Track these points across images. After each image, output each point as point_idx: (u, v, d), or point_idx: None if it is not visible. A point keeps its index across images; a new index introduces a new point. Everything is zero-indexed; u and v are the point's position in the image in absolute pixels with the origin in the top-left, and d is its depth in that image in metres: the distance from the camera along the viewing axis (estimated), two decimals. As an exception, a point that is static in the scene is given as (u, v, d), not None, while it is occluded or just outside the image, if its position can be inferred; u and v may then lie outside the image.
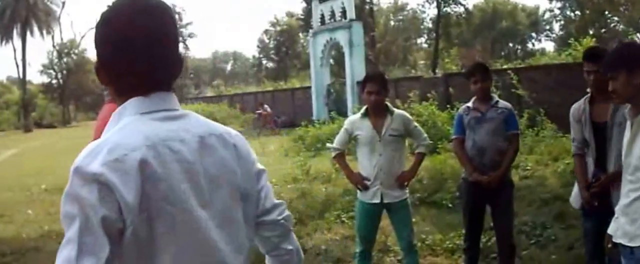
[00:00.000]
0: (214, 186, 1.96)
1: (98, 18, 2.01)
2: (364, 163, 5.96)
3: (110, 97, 3.15)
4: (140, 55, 1.93)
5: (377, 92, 5.77)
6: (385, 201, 5.85)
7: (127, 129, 1.87)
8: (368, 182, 5.87)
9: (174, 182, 1.83)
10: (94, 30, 2.03)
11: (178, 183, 1.84)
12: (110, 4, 2.03)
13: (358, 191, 6.09)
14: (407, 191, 6.05)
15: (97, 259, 1.69)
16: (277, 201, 2.22)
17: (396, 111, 6.03)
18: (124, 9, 1.98)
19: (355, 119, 6.09)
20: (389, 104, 6.00)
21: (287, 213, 2.25)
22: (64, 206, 1.77)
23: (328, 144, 6.96)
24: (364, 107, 6.00)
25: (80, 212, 1.72)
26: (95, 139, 2.02)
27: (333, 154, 6.31)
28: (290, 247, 2.27)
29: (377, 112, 5.87)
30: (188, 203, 1.86)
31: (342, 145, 6.16)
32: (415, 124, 6.19)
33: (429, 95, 19.38)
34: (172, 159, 1.86)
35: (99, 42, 1.99)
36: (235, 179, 2.04)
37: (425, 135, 6.19)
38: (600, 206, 4.93)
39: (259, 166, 2.17)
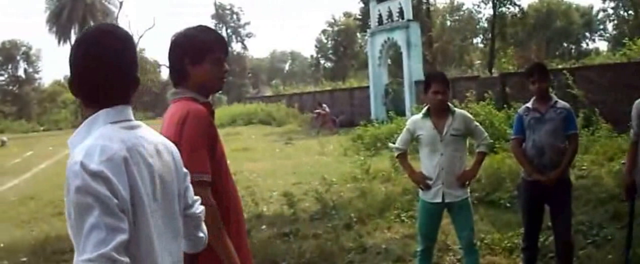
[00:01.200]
0: (163, 184, 2.43)
1: (75, 41, 2.50)
2: (426, 163, 6.00)
3: (174, 97, 3.46)
4: (107, 74, 2.36)
5: (443, 92, 5.82)
6: (447, 200, 5.89)
7: (106, 135, 2.27)
8: (430, 182, 5.92)
9: (143, 179, 2.29)
10: (73, 52, 2.43)
11: (144, 180, 2.30)
12: (85, 29, 2.57)
13: (419, 191, 6.14)
14: (468, 190, 6.08)
15: (124, 233, 2.08)
16: (195, 197, 2.74)
17: (457, 110, 6.06)
18: (96, 34, 2.46)
19: (417, 119, 6.11)
20: (450, 104, 6.02)
21: (201, 207, 2.77)
22: (77, 199, 2.08)
23: (390, 144, 7.07)
24: (426, 107, 6.03)
25: (96, 201, 2.05)
26: (172, 134, 3.01)
27: (395, 154, 6.38)
28: (201, 234, 2.77)
29: (439, 112, 5.91)
30: (149, 196, 2.31)
31: (405, 145, 6.21)
32: (476, 123, 6.23)
33: (485, 95, 19.34)
34: (140, 161, 2.31)
35: (73, 61, 2.41)
36: (175, 179, 2.54)
37: (486, 134, 6.21)
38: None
39: (185, 169, 2.68)
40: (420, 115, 6.10)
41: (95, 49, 2.38)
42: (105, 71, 2.36)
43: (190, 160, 3.13)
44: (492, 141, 6.76)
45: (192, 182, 2.96)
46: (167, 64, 3.54)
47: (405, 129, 6.23)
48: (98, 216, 2.04)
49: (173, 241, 2.48)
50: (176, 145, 2.88)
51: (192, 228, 2.70)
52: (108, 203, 2.07)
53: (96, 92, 2.38)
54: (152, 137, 2.48)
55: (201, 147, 3.26)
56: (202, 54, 3.45)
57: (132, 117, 2.44)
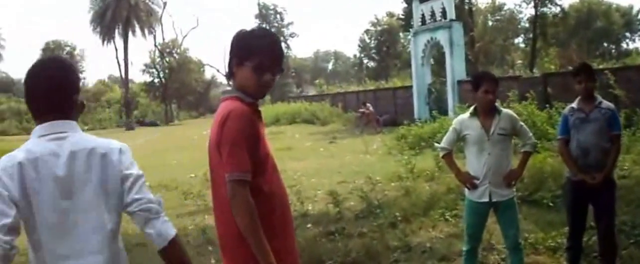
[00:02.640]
0: (81, 183, 2.91)
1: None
2: (473, 162, 6.03)
3: (223, 96, 3.54)
4: (39, 97, 3.00)
5: (493, 91, 5.84)
6: (494, 199, 5.91)
7: (23, 147, 2.94)
8: (477, 181, 5.95)
9: (42, 183, 2.84)
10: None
11: (45, 184, 2.85)
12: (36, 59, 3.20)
13: (466, 190, 6.18)
14: (514, 189, 6.09)
15: (9, 218, 2.72)
16: (137, 196, 2.96)
17: (503, 110, 6.08)
18: (36, 65, 3.08)
19: (464, 119, 6.12)
20: (497, 103, 6.05)
21: (145, 205, 2.95)
22: None
23: (436, 144, 7.09)
24: (472, 107, 6.05)
25: None
26: (215, 134, 3.33)
27: (441, 153, 6.37)
28: (149, 231, 2.95)
29: (487, 112, 5.93)
30: (53, 195, 2.85)
31: (451, 144, 6.23)
32: (522, 123, 6.23)
33: (527, 95, 19.26)
34: (44, 167, 2.85)
35: (24, 86, 3.07)
36: (99, 178, 2.94)
37: (531, 134, 6.22)
38: None
39: (128, 171, 3.00)
40: (467, 114, 6.11)
41: (27, 78, 3.04)
42: (31, 96, 3.03)
43: (229, 159, 3.25)
44: (536, 140, 6.76)
45: (228, 181, 3.20)
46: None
47: (451, 129, 6.24)
48: None
49: (92, 233, 2.92)
50: (218, 145, 3.24)
51: (141, 225, 2.98)
52: (2, 193, 2.77)
53: (32, 111, 3.05)
54: (73, 146, 2.94)
55: (240, 147, 3.26)
56: (245, 58, 3.43)
57: (66, 129, 2.98)
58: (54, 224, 2.86)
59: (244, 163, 3.26)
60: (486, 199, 5.94)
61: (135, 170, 3.03)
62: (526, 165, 6.29)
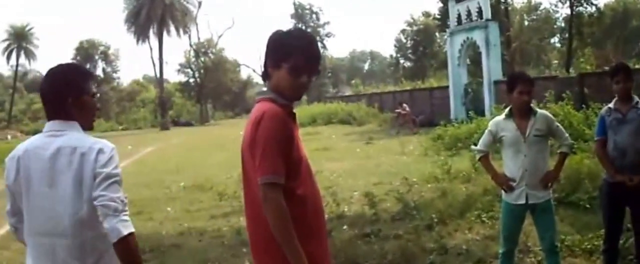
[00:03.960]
0: (60, 174, 3.34)
1: None
2: (509, 164, 5.99)
3: (258, 96, 3.55)
4: (43, 101, 3.53)
5: (528, 92, 5.81)
6: (531, 201, 5.87)
7: (28, 140, 3.57)
8: (513, 183, 5.91)
9: (32, 171, 3.39)
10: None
11: (34, 172, 3.39)
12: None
13: (502, 192, 6.13)
14: (551, 191, 6.06)
15: (8, 204, 3.57)
16: (101, 193, 3.26)
17: (539, 111, 6.03)
18: (46, 73, 3.59)
19: (499, 121, 6.09)
20: (532, 104, 6.00)
21: (106, 202, 3.24)
22: None
23: (472, 147, 7.07)
24: (508, 108, 6.03)
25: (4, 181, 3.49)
26: (248, 135, 3.40)
27: (477, 156, 6.36)
28: (106, 226, 3.22)
29: (522, 113, 5.89)
30: (39, 182, 3.38)
31: (487, 147, 6.20)
32: (558, 124, 6.19)
33: (563, 95, 19.11)
34: (34, 158, 3.39)
35: None
36: (76, 173, 3.32)
37: (567, 135, 6.18)
38: None
39: (101, 170, 3.31)
40: (502, 116, 6.08)
41: (41, 82, 3.62)
42: (43, 99, 3.53)
43: (262, 162, 3.25)
44: (572, 141, 6.70)
45: (260, 185, 3.22)
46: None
47: (487, 131, 6.22)
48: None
49: (69, 216, 3.33)
50: (251, 146, 3.28)
51: (101, 219, 3.26)
52: (5, 184, 3.50)
53: (46, 111, 3.53)
54: (62, 143, 3.37)
55: (272, 150, 3.25)
56: (281, 59, 3.42)
57: (62, 129, 3.43)
58: (36, 206, 3.39)
59: (277, 166, 3.25)
60: (522, 202, 5.90)
61: (108, 169, 3.34)
62: (563, 166, 6.26)
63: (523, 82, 5.89)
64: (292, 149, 3.39)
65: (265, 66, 3.53)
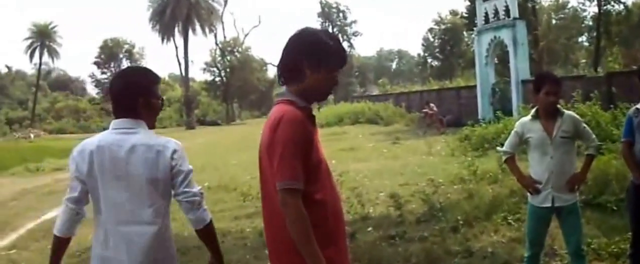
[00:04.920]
0: (134, 169, 3.65)
1: None
2: (536, 166, 5.93)
3: (279, 98, 3.52)
4: (113, 99, 3.82)
5: (555, 93, 5.76)
6: (557, 204, 5.81)
7: (97, 137, 3.81)
8: (539, 186, 5.85)
9: (107, 165, 3.66)
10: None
11: (110, 166, 3.66)
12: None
13: (528, 195, 6.08)
14: (577, 194, 5.98)
15: (75, 192, 3.77)
16: (185, 190, 3.72)
17: (566, 112, 5.97)
18: (117, 72, 4.09)
19: (525, 122, 6.04)
20: (559, 106, 5.93)
21: (190, 198, 3.74)
22: None
23: (498, 148, 7.00)
24: (534, 109, 5.97)
25: (71, 171, 3.79)
26: (266, 138, 3.39)
27: (504, 157, 6.29)
28: (191, 216, 3.77)
29: (548, 114, 5.83)
30: (116, 176, 3.66)
31: (513, 148, 6.14)
32: (585, 125, 6.12)
33: (591, 95, 18.90)
34: (108, 153, 3.67)
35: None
36: (152, 168, 3.66)
37: (594, 136, 6.11)
38: None
39: (179, 168, 3.72)
40: (528, 117, 6.02)
41: (109, 83, 4.01)
42: (110, 97, 3.85)
43: (280, 167, 3.21)
44: (599, 142, 6.60)
45: (279, 190, 3.19)
46: (274, 62, 3.57)
47: (513, 132, 6.16)
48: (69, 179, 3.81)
49: (139, 208, 3.70)
50: (269, 150, 3.29)
51: (185, 212, 3.77)
52: (73, 174, 3.76)
53: (112, 109, 3.85)
54: (136, 141, 3.68)
55: (291, 154, 3.21)
56: (325, 63, 3.41)
57: (133, 126, 3.74)
58: (112, 197, 3.68)
59: (295, 171, 3.22)
60: (548, 204, 5.84)
61: (185, 167, 3.75)
62: (590, 168, 6.17)
63: (550, 82, 5.82)
64: (311, 153, 3.35)
65: (293, 67, 3.44)
